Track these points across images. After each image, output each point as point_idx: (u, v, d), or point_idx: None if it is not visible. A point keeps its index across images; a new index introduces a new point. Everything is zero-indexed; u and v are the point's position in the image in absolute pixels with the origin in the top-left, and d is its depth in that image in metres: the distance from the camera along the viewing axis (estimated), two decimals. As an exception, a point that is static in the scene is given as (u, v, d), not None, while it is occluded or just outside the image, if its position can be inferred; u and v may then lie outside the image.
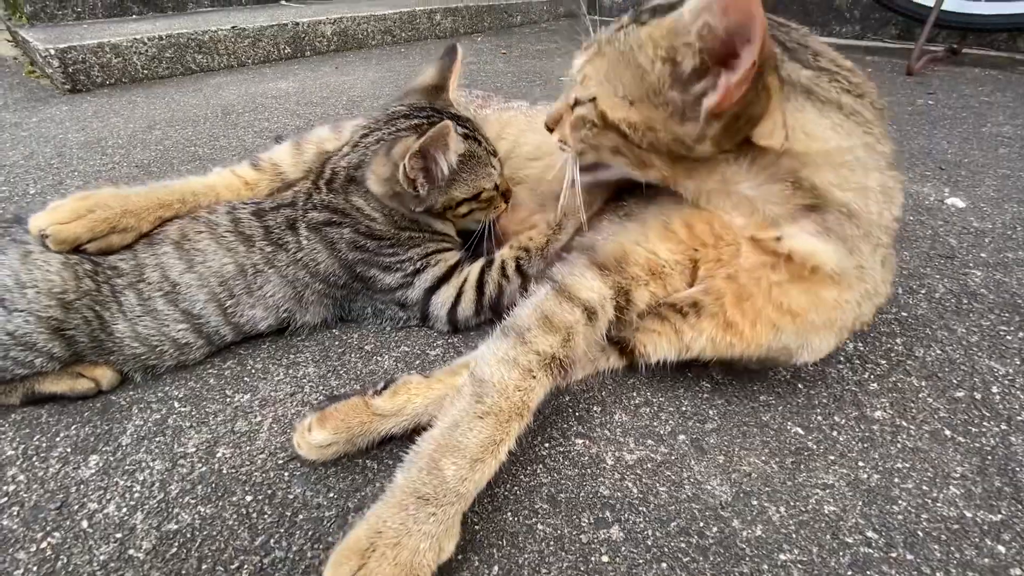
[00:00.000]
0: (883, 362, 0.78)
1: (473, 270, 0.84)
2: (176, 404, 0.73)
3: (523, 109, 1.14)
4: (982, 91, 2.07)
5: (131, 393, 0.75)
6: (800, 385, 0.74)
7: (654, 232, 0.65)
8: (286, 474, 0.63)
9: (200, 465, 0.64)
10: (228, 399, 0.74)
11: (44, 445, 0.67)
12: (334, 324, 0.87)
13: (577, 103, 0.63)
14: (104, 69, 2.36)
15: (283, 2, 3.51)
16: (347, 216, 0.82)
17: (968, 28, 2.38)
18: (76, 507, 0.60)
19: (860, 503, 0.58)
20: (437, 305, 0.82)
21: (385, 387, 0.64)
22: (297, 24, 2.86)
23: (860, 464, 0.63)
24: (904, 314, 0.87)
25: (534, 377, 0.57)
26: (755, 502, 0.59)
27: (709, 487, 0.60)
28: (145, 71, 2.47)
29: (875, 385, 0.74)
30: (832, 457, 0.64)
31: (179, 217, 0.81)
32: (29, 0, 2.71)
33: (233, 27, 2.66)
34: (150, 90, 2.34)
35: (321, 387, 0.75)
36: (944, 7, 2.26)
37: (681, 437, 0.66)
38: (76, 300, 0.70)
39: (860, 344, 0.81)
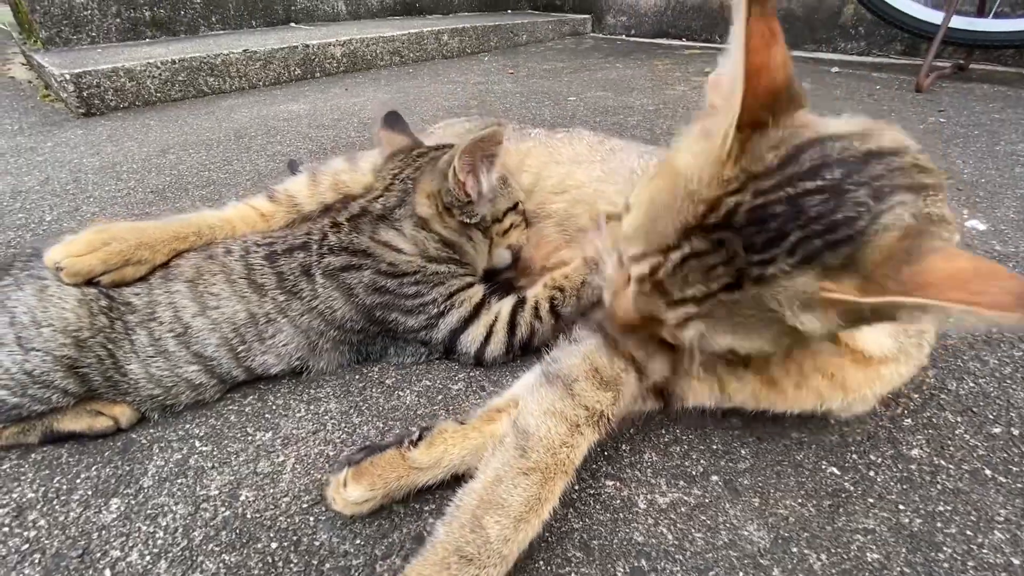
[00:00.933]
0: (915, 396, 0.76)
1: (504, 309, 0.82)
2: (197, 443, 0.72)
3: (542, 139, 1.13)
4: (992, 108, 2.06)
5: (151, 431, 0.74)
6: (832, 421, 0.72)
7: None
8: (311, 519, 0.62)
9: (224, 509, 0.63)
10: (250, 437, 0.73)
11: (64, 487, 0.66)
12: (349, 367, 0.85)
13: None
14: (118, 93, 2.39)
15: (293, 24, 3.56)
16: (368, 256, 0.80)
17: (975, 44, 2.38)
18: (98, 555, 0.58)
19: (904, 550, 0.57)
20: (465, 344, 0.80)
21: (420, 437, 0.62)
22: (307, 46, 2.90)
23: (901, 507, 0.61)
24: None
25: (581, 433, 0.56)
26: (795, 549, 0.57)
27: (746, 532, 0.59)
28: (158, 94, 2.50)
29: (910, 421, 0.72)
30: (871, 500, 0.62)
31: (194, 249, 0.80)
32: (44, 25, 2.75)
33: (244, 50, 2.69)
34: (163, 113, 2.37)
35: (343, 424, 0.74)
36: (951, 24, 2.26)
37: (714, 478, 0.65)
38: (90, 338, 0.69)
39: (891, 377, 0.79)
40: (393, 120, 0.97)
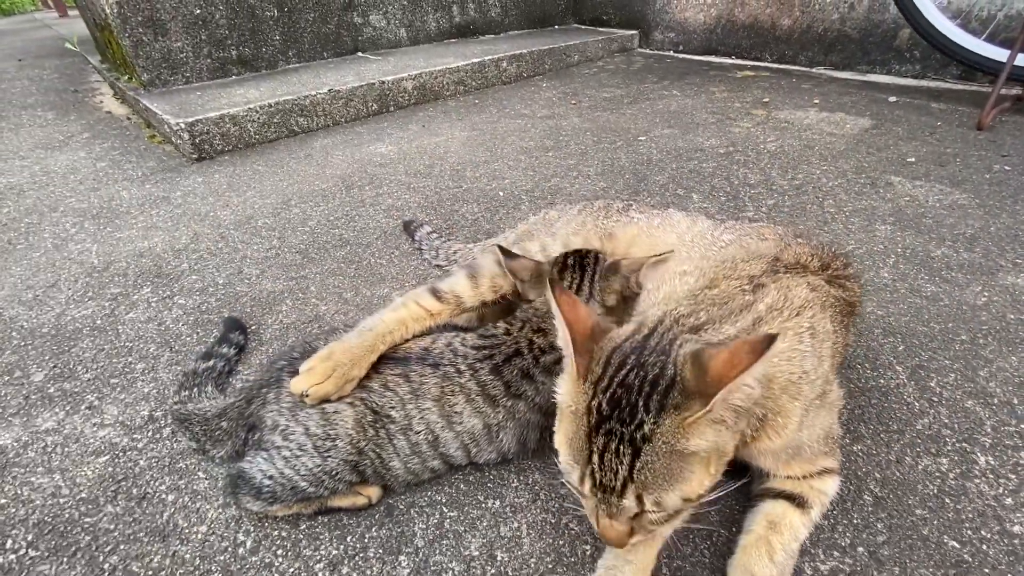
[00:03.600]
0: (1012, 476, 0.94)
1: None
2: (444, 509, 0.94)
3: (643, 225, 1.26)
4: (1054, 149, 2.17)
5: (403, 497, 0.96)
6: (947, 500, 0.90)
7: None
8: (558, 577, 0.83)
9: (489, 567, 0.84)
10: (482, 504, 0.94)
11: (359, 546, 0.89)
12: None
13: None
14: (224, 138, 2.63)
15: (360, 53, 3.75)
16: None
17: (1035, 81, 2.46)
18: (410, 603, 0.80)
19: (1017, 613, 0.75)
20: None
21: None
22: (383, 82, 3.09)
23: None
24: (1023, 426, 1.02)
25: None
26: (934, 611, 0.76)
27: (894, 596, 0.78)
28: (257, 136, 2.73)
29: (1010, 500, 0.90)
30: (986, 570, 0.81)
31: (417, 361, 0.97)
32: (146, 68, 2.99)
33: (329, 90, 2.90)
34: (264, 156, 2.59)
35: (553, 494, 0.95)
36: (1015, 61, 2.35)
37: (860, 549, 0.84)
38: (365, 446, 0.90)
39: (991, 458, 0.97)
40: (508, 254, 1.12)
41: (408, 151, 2.56)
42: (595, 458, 0.63)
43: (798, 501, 0.82)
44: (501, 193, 2.09)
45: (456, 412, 0.92)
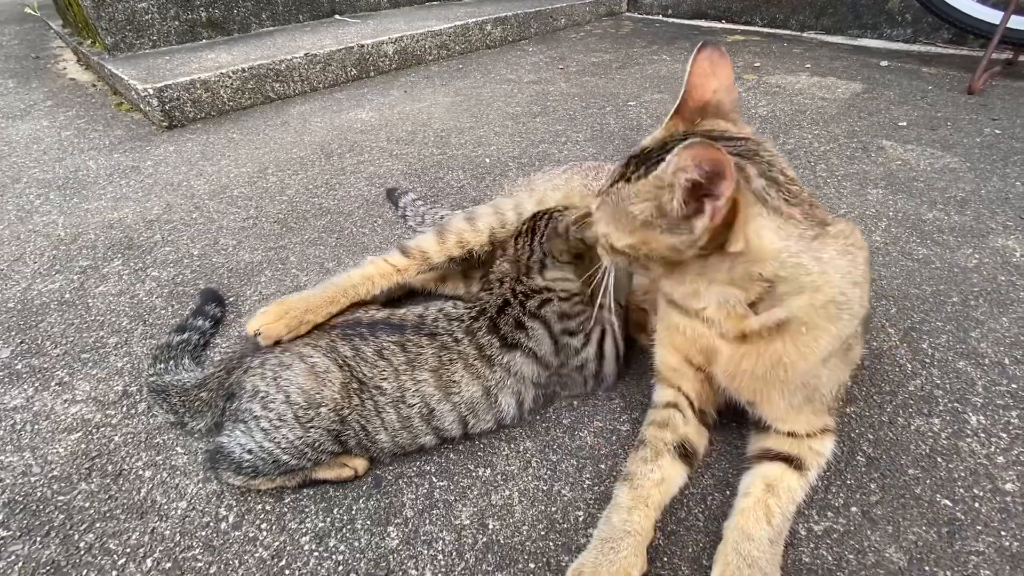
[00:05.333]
0: (1004, 435, 0.94)
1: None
2: (434, 479, 0.91)
3: None
4: (1045, 114, 2.15)
5: (392, 468, 0.93)
6: (939, 459, 0.90)
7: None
8: (551, 544, 0.81)
9: (480, 536, 0.82)
10: (473, 473, 0.92)
11: (346, 518, 0.86)
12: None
13: (599, 236, 0.81)
14: (195, 104, 2.51)
15: (337, 16, 3.59)
16: (550, 290, 0.99)
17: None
18: (399, 573, 0.78)
19: (1008, 568, 0.76)
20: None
21: None
22: (362, 46, 2.96)
23: (1002, 533, 0.80)
24: (1014, 386, 1.02)
25: None
26: (927, 568, 0.76)
27: (887, 554, 0.78)
28: (231, 103, 2.61)
29: (1001, 459, 0.90)
30: (979, 527, 0.81)
31: (413, 331, 0.94)
32: (109, 31, 2.82)
33: (306, 54, 2.77)
34: (239, 123, 2.48)
35: (544, 462, 0.93)
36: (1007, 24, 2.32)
37: (853, 509, 0.84)
38: (349, 415, 0.86)
39: (982, 418, 0.97)
40: None
41: (390, 117, 2.47)
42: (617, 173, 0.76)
43: (795, 463, 0.81)
44: (487, 160, 2.03)
45: (454, 382, 0.89)
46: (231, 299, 1.35)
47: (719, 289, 0.73)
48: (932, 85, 2.51)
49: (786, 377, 0.75)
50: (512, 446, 0.96)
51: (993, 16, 2.43)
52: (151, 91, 2.36)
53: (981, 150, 1.89)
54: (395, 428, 0.88)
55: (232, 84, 2.57)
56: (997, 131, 2.02)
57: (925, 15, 3.08)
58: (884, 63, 2.85)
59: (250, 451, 0.82)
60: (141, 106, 2.52)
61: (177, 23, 2.99)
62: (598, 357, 1.00)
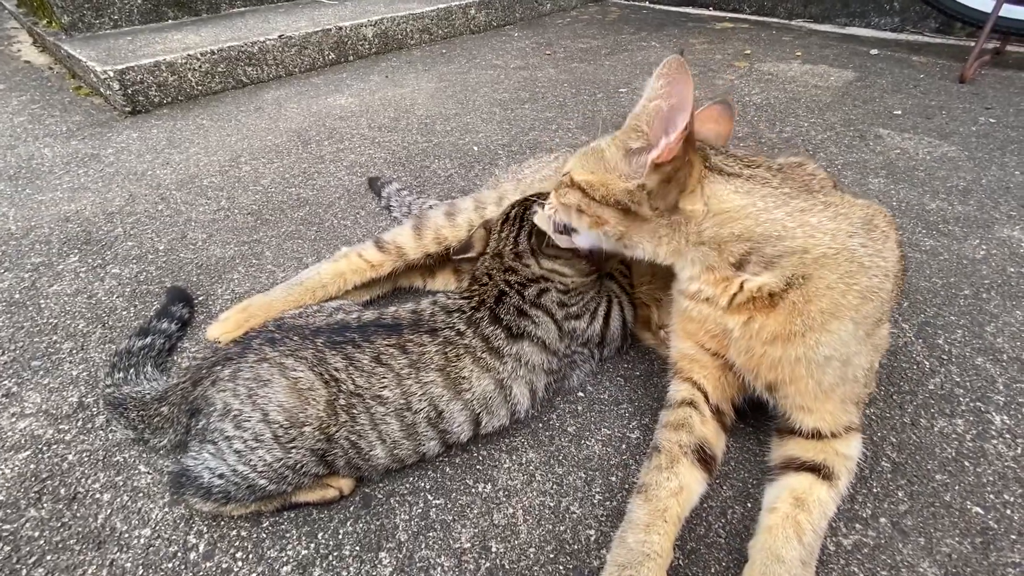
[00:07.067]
0: (1031, 436, 0.89)
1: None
2: (429, 496, 0.83)
3: None
4: (1035, 102, 2.14)
5: (381, 486, 0.85)
6: (966, 463, 0.85)
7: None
8: (561, 568, 0.74)
9: (483, 561, 0.75)
10: (472, 489, 0.84)
11: (332, 543, 0.77)
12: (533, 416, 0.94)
13: (561, 183, 0.83)
14: (161, 88, 2.35)
15: (314, -3, 3.42)
16: (546, 279, 0.94)
17: (1018, 32, 2.42)
18: (394, 606, 0.70)
19: (1048, 580, 0.71)
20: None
21: None
22: (340, 28, 2.82)
23: (1039, 542, 0.75)
24: (1033, 381, 0.98)
25: None
26: (964, 583, 0.71)
27: (921, 569, 0.72)
28: (199, 87, 2.46)
29: (1030, 461, 0.86)
30: (1013, 536, 0.76)
31: (415, 330, 0.84)
32: (66, 10, 2.63)
33: (280, 36, 2.62)
34: (209, 109, 2.33)
35: (549, 475, 0.86)
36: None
37: (882, 520, 0.78)
38: (336, 432, 0.76)
39: (1006, 417, 0.92)
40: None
41: (371, 103, 2.35)
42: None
43: (824, 472, 0.74)
44: (475, 148, 1.93)
45: (464, 378, 0.81)
46: (200, 298, 1.23)
47: (695, 251, 0.75)
48: (923, 74, 2.49)
49: (806, 352, 0.71)
50: (514, 458, 0.88)
51: (985, 4, 2.40)
52: (111, 74, 2.20)
53: (978, 139, 1.86)
54: (396, 439, 0.79)
55: (201, 67, 2.42)
56: (992, 120, 2.00)
57: (913, 4, 3.06)
58: (874, 51, 2.82)
59: (221, 475, 0.72)
60: (101, 90, 2.35)
61: (140, 1, 2.80)
62: (603, 329, 0.98)
